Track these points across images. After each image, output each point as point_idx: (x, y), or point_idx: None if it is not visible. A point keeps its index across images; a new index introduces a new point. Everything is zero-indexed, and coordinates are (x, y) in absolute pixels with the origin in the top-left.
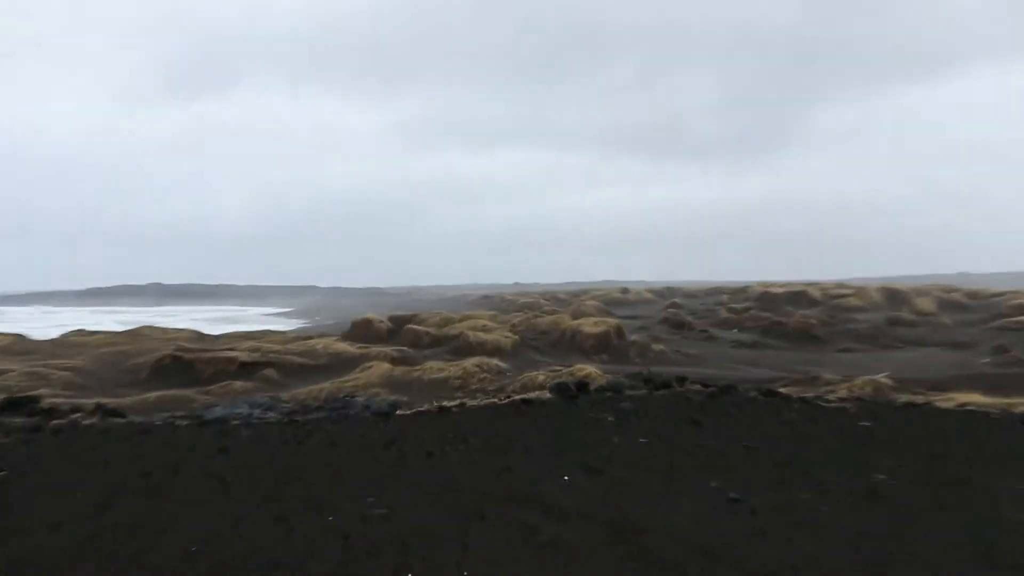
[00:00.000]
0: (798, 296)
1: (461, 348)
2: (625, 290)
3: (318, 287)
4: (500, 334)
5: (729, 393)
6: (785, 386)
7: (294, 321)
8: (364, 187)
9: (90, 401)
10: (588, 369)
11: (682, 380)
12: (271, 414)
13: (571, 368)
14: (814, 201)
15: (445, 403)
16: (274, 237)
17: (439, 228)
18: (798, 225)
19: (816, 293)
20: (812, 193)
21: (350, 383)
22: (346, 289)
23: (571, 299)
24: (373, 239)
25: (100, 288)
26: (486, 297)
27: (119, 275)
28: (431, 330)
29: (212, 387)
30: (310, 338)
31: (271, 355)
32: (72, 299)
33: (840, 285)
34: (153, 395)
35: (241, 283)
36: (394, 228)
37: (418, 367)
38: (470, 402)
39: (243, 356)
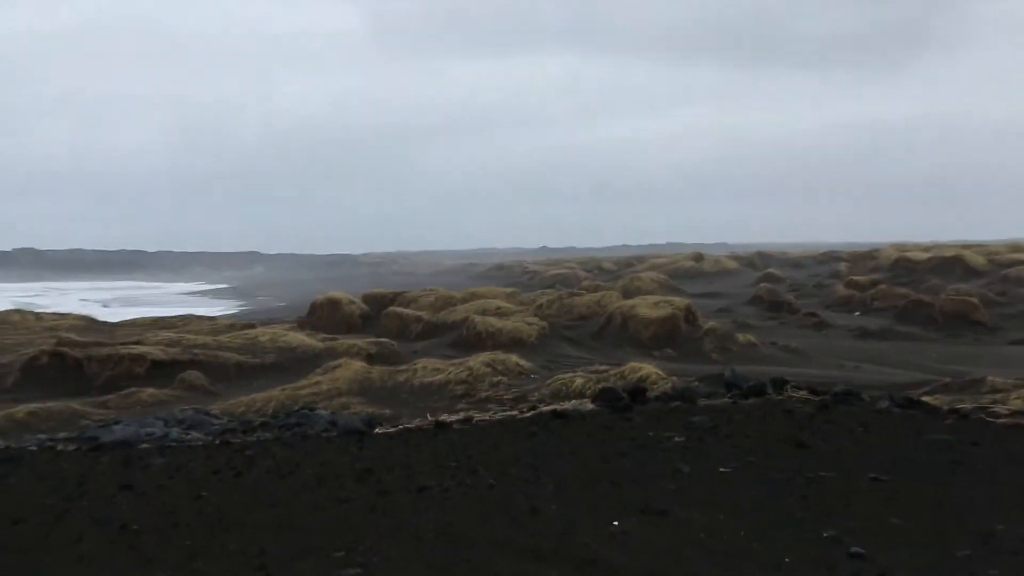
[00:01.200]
0: (950, 264)
1: (466, 340)
2: (699, 256)
3: (263, 254)
4: (521, 320)
5: (848, 403)
6: (931, 393)
7: (229, 302)
8: (331, 112)
9: None
10: (646, 369)
11: (781, 384)
12: (196, 434)
13: (622, 368)
14: (971, 127)
15: (444, 417)
16: (200, 184)
17: (436, 171)
18: (949, 162)
19: (977, 259)
20: (969, 115)
21: (309, 390)
22: (303, 257)
23: (621, 270)
24: (343, 186)
25: None
26: (501, 267)
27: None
28: (423, 314)
29: (111, 397)
30: (252, 326)
31: (196, 351)
32: None
33: (1015, 247)
34: (23, 409)
35: (152, 248)
36: (373, 171)
37: (405, 367)
38: (479, 416)
39: (156, 353)
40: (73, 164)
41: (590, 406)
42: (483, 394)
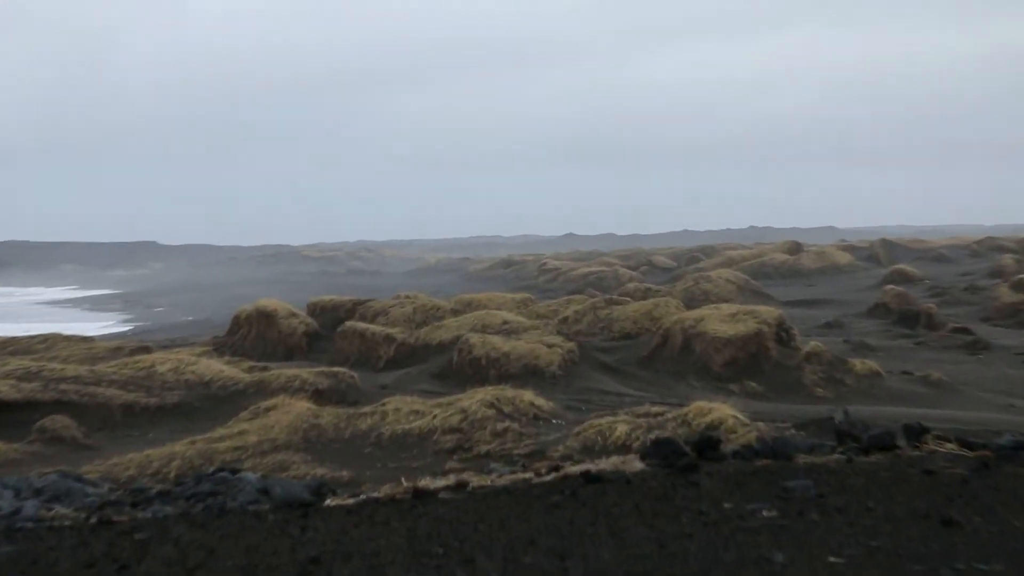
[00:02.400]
0: None
1: (458, 369)
2: (795, 247)
3: (162, 246)
4: (538, 340)
5: (1020, 461)
6: None
7: (113, 316)
8: (254, 46)
9: None
10: (719, 411)
11: (918, 433)
12: (62, 509)
13: (684, 409)
14: None
15: (426, 482)
16: (68, 149)
17: (411, 126)
18: None
19: None
20: None
21: (230, 442)
22: (221, 250)
23: (682, 267)
24: (275, 151)
25: None
26: (509, 264)
27: None
28: (396, 332)
29: None
30: (146, 351)
31: (64, 386)
32: None
33: None
34: None
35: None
36: (317, 128)
37: (369, 408)
38: (477, 480)
39: (2, 389)
40: None
41: (638, 465)
42: (483, 448)
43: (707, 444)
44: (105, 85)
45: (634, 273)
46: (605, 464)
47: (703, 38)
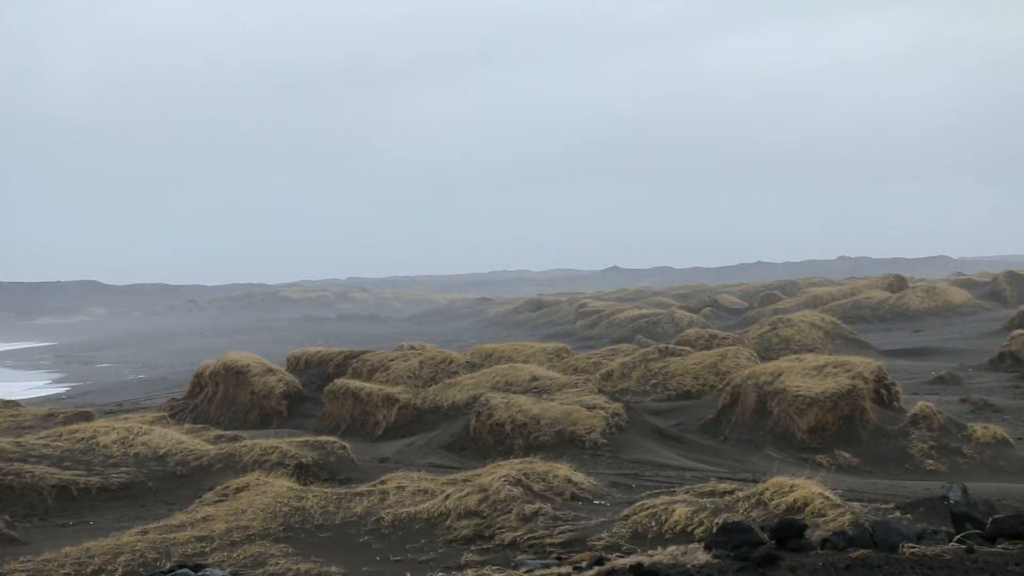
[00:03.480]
0: None
1: (476, 437)
2: (897, 281)
3: (105, 286)
4: (576, 399)
5: None
6: None
7: (44, 373)
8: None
9: None
10: (803, 488)
11: None
12: None
13: (759, 486)
14: None
15: None
16: None
17: (412, 136)
18: None
19: None
20: None
21: (192, 531)
22: (179, 291)
23: (755, 307)
24: (246, 169)
25: None
26: (539, 305)
27: None
28: (398, 392)
29: None
30: (86, 417)
31: None
32: None
33: None
34: None
35: None
36: (295, 138)
37: (366, 487)
38: None
39: None
40: None
41: (703, 557)
42: (507, 536)
43: (789, 530)
44: (31, 86)
45: (695, 316)
46: (661, 556)
47: (809, 16)
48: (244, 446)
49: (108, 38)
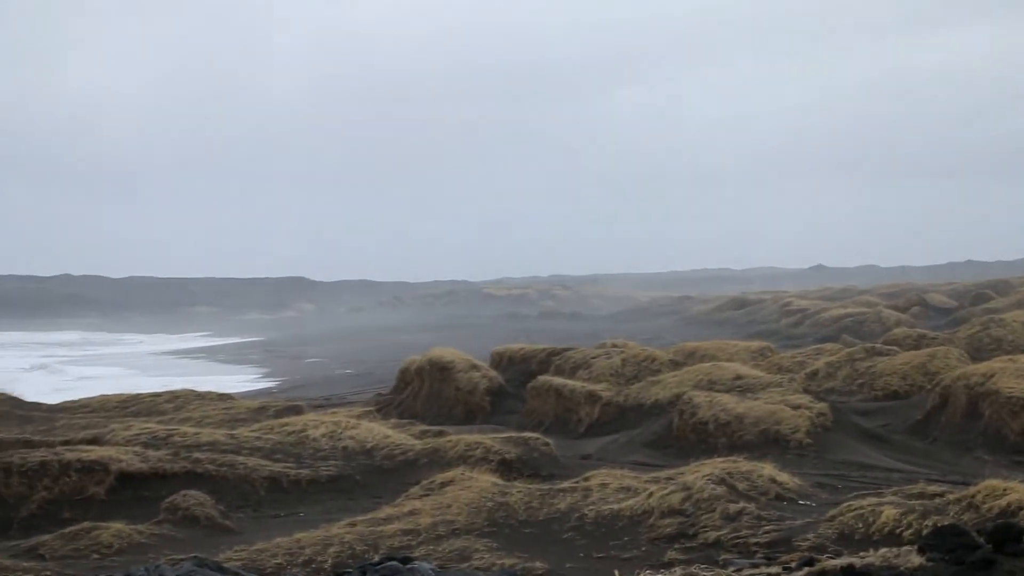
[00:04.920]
0: None
1: (679, 436)
2: None
3: (312, 282)
4: (780, 399)
5: None
6: None
7: (254, 369)
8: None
9: None
10: (1017, 491)
11: None
12: None
13: (970, 489)
14: None
15: None
16: (198, 168)
17: (614, 134)
18: None
19: None
20: None
21: (398, 524)
22: (385, 287)
23: (965, 306)
24: (447, 169)
25: None
26: (742, 304)
27: None
28: (601, 389)
29: (46, 538)
30: (296, 411)
31: (198, 455)
32: None
33: None
34: None
35: (116, 274)
36: (501, 136)
37: (569, 484)
38: (707, 574)
39: (126, 459)
40: None
41: (915, 560)
42: (711, 535)
43: (1007, 534)
44: (247, 93)
45: (902, 315)
46: (873, 557)
47: (1009, 11)
48: (449, 441)
49: (317, 40)
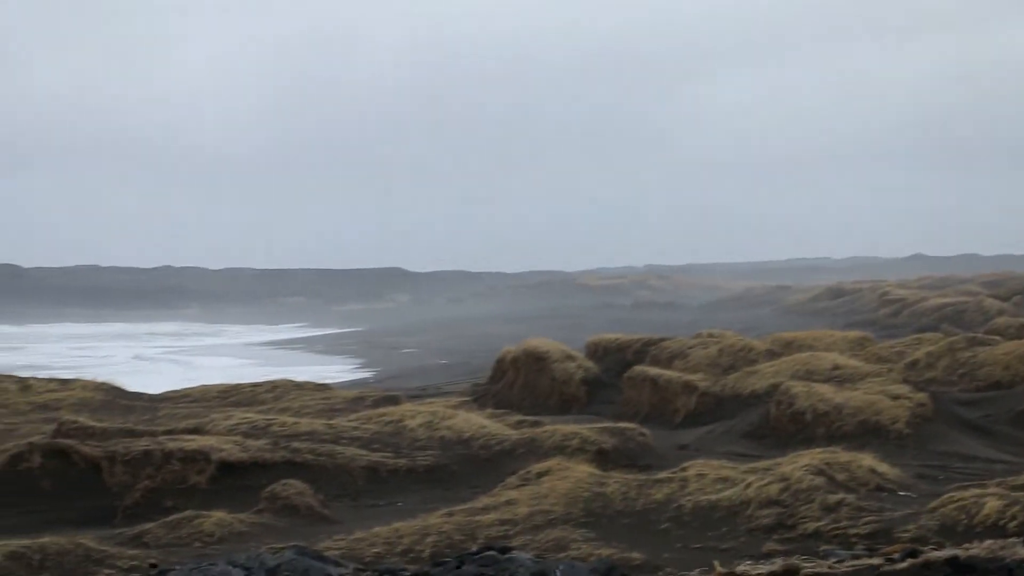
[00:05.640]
0: None
1: (776, 426)
2: None
3: (409, 273)
4: (879, 389)
5: None
6: None
7: (350, 360)
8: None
9: None
10: None
11: None
12: None
13: None
14: None
15: (743, 567)
16: (295, 159)
17: (710, 121)
18: None
19: None
20: None
21: (495, 514)
22: (477, 278)
23: None
24: (541, 155)
25: None
26: (839, 293)
27: None
28: (697, 379)
29: (149, 526)
30: (394, 401)
31: (297, 445)
32: None
33: None
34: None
35: (215, 265)
36: (596, 115)
37: (666, 475)
38: (808, 567)
39: (227, 448)
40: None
41: (1021, 551)
42: (809, 526)
43: None
44: (344, 85)
45: (1005, 305)
46: (978, 549)
47: None
48: (545, 431)
49: (415, 32)
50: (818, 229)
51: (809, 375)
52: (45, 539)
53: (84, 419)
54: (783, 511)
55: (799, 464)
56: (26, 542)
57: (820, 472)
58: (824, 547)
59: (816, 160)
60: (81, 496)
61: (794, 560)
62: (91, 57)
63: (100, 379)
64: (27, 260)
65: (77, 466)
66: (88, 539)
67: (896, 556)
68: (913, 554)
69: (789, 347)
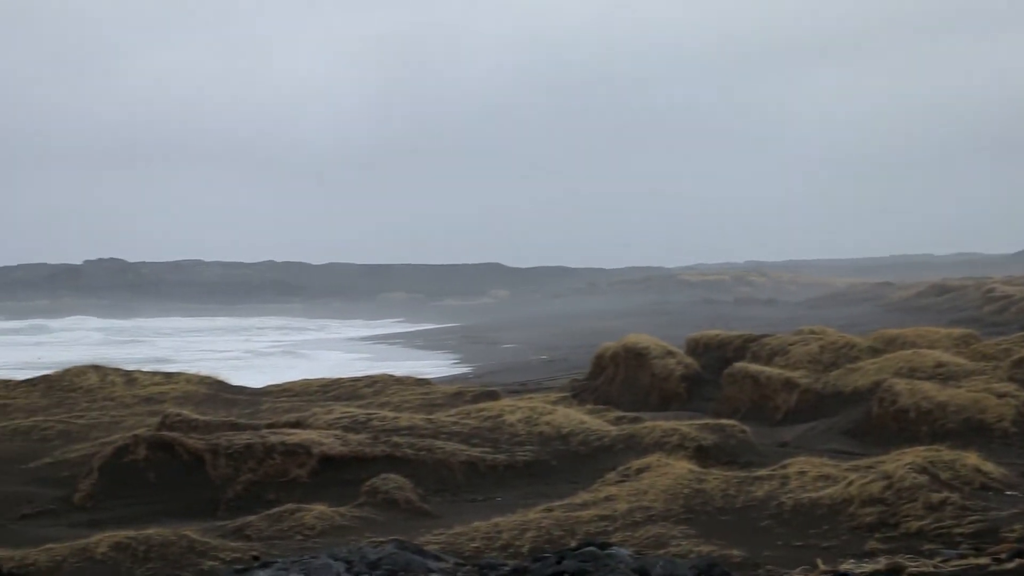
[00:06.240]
0: None
1: (878, 424)
2: None
3: (506, 268)
4: (984, 387)
5: None
6: None
7: (449, 355)
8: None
9: None
10: None
11: None
12: None
13: None
14: None
15: (847, 566)
16: (393, 156)
17: (817, 115)
18: None
19: None
20: None
21: (594, 510)
22: (577, 273)
23: None
24: (643, 147)
25: None
26: (944, 290)
27: (7, 252)
28: (798, 376)
29: (251, 519)
30: (493, 396)
31: (397, 439)
32: None
33: None
34: (105, 538)
35: (317, 260)
36: (699, 109)
37: (766, 472)
38: (913, 566)
39: (327, 442)
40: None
41: None
42: (913, 524)
43: None
44: (446, 80)
45: None
46: None
47: None
48: (645, 427)
49: (514, 29)
50: (921, 225)
51: (912, 372)
52: (150, 530)
53: (188, 412)
54: (886, 509)
55: (902, 462)
56: (131, 533)
57: (923, 470)
58: (929, 546)
59: (920, 154)
60: (184, 488)
61: (899, 559)
62: (200, 55)
63: (204, 372)
64: (133, 255)
65: (181, 459)
66: (191, 531)
67: (1004, 556)
68: (1020, 554)
69: (892, 344)
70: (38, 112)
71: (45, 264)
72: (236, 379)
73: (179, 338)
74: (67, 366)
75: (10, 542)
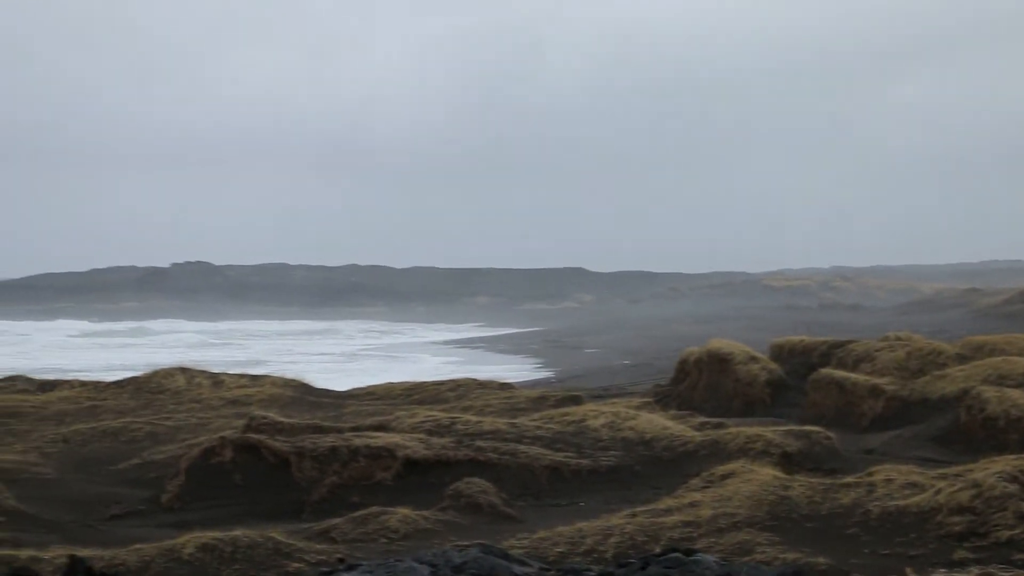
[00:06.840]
0: None
1: (966, 431)
2: None
3: (590, 272)
4: None
5: None
6: None
7: (532, 359)
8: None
9: (46, 554)
10: None
11: None
12: None
13: None
14: None
15: None
16: (474, 164)
17: (904, 116)
18: None
19: None
20: None
21: (679, 516)
22: (657, 278)
23: None
24: (730, 151)
25: (65, 275)
26: None
27: (98, 255)
28: (884, 383)
29: (336, 521)
30: (576, 401)
31: (481, 443)
32: None
33: None
34: (191, 539)
35: (400, 264)
36: (782, 115)
37: (852, 479)
38: (1005, 575)
39: (412, 446)
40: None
41: None
42: (1003, 534)
43: None
44: (529, 83)
45: None
46: None
47: None
48: (729, 433)
49: (596, 38)
50: (1011, 230)
51: (1001, 380)
52: (236, 532)
53: (274, 415)
54: (975, 519)
55: (991, 471)
56: (218, 534)
57: (1014, 479)
58: (1018, 556)
59: (1010, 158)
60: (270, 490)
61: (990, 569)
62: (285, 57)
63: (289, 375)
64: (219, 258)
65: (266, 461)
66: (277, 533)
67: None
68: None
69: (980, 351)
70: (127, 118)
71: (134, 267)
72: (324, 382)
73: (269, 341)
74: (140, 369)
75: (100, 542)
